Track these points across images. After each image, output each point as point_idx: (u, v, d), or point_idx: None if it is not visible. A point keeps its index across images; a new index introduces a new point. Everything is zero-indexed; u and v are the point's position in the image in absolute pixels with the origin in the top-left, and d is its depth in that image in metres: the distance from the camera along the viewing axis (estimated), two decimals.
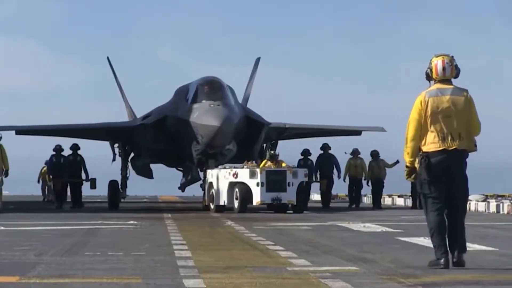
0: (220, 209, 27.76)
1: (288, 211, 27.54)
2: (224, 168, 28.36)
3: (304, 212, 27.38)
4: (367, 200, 40.20)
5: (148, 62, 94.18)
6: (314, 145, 34.81)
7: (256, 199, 27.13)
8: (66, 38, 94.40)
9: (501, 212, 28.51)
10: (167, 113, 31.46)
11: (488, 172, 54.63)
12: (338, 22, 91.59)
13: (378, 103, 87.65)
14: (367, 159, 34.73)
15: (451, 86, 10.26)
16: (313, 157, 34.10)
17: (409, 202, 37.23)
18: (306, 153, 33.88)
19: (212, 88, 29.10)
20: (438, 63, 10.27)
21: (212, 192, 28.29)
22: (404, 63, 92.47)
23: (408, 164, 10.33)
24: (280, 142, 34.78)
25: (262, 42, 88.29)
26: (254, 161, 29.54)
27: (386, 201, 39.50)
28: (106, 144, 36.29)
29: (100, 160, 36.86)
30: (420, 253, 12.54)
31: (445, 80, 10.28)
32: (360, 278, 9.22)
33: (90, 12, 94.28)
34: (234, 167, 28.04)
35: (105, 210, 30.15)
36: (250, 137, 31.09)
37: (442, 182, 10.13)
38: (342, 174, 34.20)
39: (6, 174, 26.94)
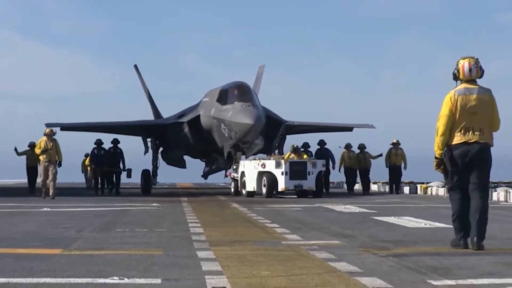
0: (250, 194, 27.73)
1: (308, 196, 27.27)
2: (254, 159, 28.32)
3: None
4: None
5: (176, 71, 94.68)
6: (308, 139, 34.67)
7: (281, 186, 26.98)
8: (107, 50, 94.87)
9: None
10: (200, 112, 31.03)
11: None
12: (336, 36, 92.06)
13: (368, 103, 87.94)
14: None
15: (477, 86, 9.53)
16: (311, 150, 33.86)
17: (382, 188, 37.19)
18: (306, 146, 33.65)
19: (242, 91, 28.65)
20: (465, 65, 9.51)
21: (244, 180, 28.22)
22: (390, 70, 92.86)
23: (437, 156, 9.52)
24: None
25: (271, 53, 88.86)
26: (281, 153, 29.60)
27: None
28: (139, 139, 36.11)
29: (133, 152, 36.78)
30: (391, 230, 12.50)
31: (471, 80, 9.53)
32: (342, 250, 9.16)
33: (129, 28, 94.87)
34: (263, 159, 28.01)
35: (134, 195, 30.07)
36: (270, 133, 30.91)
37: (464, 172, 9.41)
38: (337, 165, 33.74)
39: (60, 164, 26.92)
